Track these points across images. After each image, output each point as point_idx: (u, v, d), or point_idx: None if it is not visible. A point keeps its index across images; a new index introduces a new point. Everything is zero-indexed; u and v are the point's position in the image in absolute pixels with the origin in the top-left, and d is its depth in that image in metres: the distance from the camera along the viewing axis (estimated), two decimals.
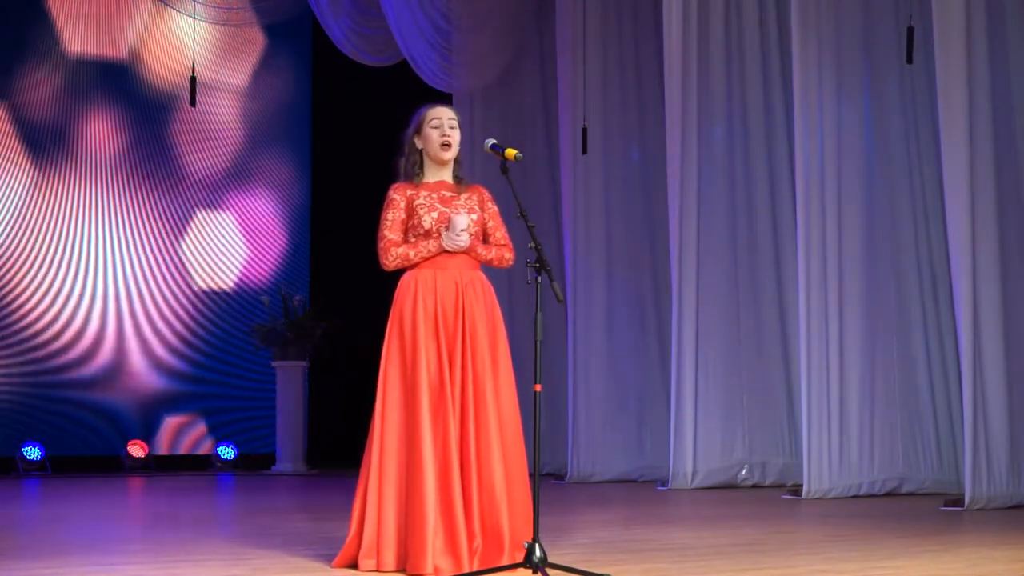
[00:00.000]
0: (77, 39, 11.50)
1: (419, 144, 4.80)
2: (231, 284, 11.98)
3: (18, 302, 11.12)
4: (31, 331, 11.15)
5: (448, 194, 4.77)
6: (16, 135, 11.25)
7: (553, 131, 10.85)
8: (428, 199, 4.73)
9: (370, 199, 5.31)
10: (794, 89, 8.29)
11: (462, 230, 4.65)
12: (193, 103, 10.00)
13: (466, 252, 4.71)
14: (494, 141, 4.74)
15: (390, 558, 4.54)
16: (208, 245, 11.90)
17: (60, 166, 11.39)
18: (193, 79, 9.92)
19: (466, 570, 4.41)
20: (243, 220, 12.09)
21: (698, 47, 9.14)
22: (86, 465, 11.06)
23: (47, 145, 11.36)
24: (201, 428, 11.73)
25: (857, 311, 8.25)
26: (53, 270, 11.27)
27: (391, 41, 10.10)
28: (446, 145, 4.74)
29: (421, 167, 4.81)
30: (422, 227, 4.69)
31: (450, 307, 4.66)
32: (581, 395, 9.91)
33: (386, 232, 4.72)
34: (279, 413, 11.41)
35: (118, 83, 11.66)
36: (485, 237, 4.84)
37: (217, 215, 11.97)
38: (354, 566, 4.61)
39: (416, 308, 4.64)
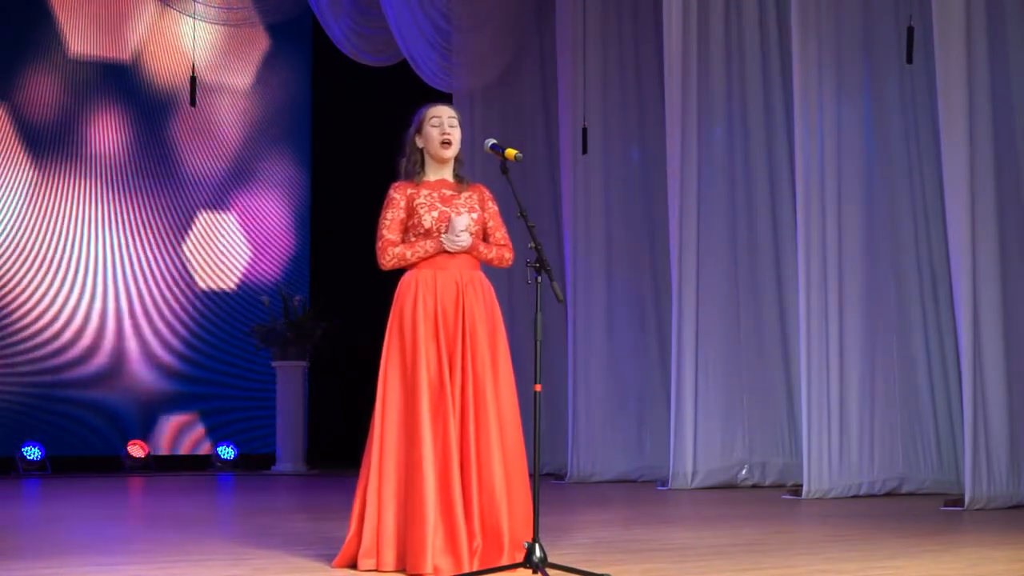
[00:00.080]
0: (79, 40, 11.51)
1: (420, 143, 4.81)
2: (231, 284, 11.98)
3: (18, 302, 11.12)
4: (31, 331, 11.15)
5: (449, 193, 4.77)
6: (18, 135, 11.25)
7: (553, 131, 10.85)
8: (429, 198, 4.73)
9: (370, 199, 5.32)
10: (794, 89, 8.29)
11: (462, 230, 4.65)
12: (193, 103, 10.01)
13: (467, 251, 4.72)
14: (494, 141, 4.74)
15: (390, 558, 4.54)
16: (208, 245, 11.90)
17: (61, 166, 11.39)
18: (193, 79, 9.93)
19: (466, 570, 4.41)
20: (243, 220, 12.09)
21: (698, 47, 9.14)
22: (86, 465, 11.06)
23: (49, 145, 11.36)
24: (201, 428, 11.73)
25: (857, 311, 8.25)
26: (53, 270, 11.27)
27: (391, 41, 10.10)
28: (446, 143, 4.75)
29: (422, 166, 4.82)
30: (422, 226, 4.70)
31: (450, 307, 4.66)
32: (581, 395, 9.91)
33: (384, 232, 4.73)
34: (279, 413, 11.41)
35: (119, 83, 11.66)
36: (485, 236, 4.84)
37: (217, 215, 11.97)
38: (354, 566, 4.61)
39: (416, 308, 4.64)
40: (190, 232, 11.83)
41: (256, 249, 12.13)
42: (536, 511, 4.38)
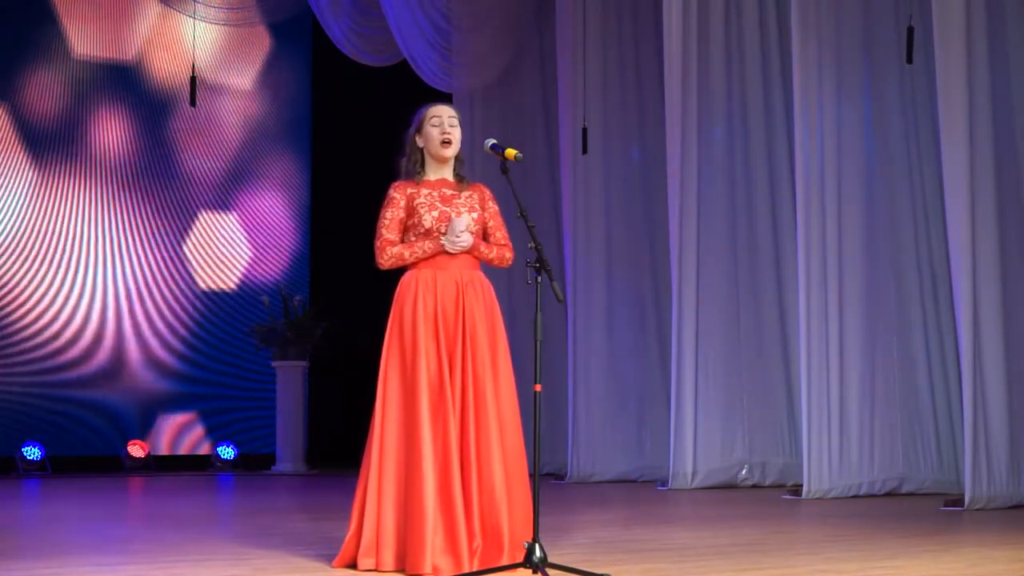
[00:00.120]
0: (81, 40, 11.51)
1: (420, 143, 4.81)
2: (231, 284, 11.98)
3: (19, 302, 11.12)
4: (32, 331, 11.15)
5: (449, 192, 4.77)
6: (20, 135, 11.25)
7: (553, 131, 10.85)
8: (429, 197, 4.73)
9: (370, 199, 5.32)
10: (794, 89, 8.29)
11: (462, 230, 4.65)
12: (193, 103, 10.01)
13: (468, 251, 4.72)
14: (494, 141, 4.74)
15: (389, 557, 4.54)
16: (208, 245, 11.90)
17: (62, 166, 11.39)
18: (193, 79, 9.93)
19: (466, 570, 4.41)
20: (243, 220, 12.09)
21: (698, 47, 9.14)
22: (86, 465, 11.06)
23: (50, 145, 11.36)
24: (201, 428, 11.73)
25: (857, 311, 8.25)
26: (54, 270, 11.27)
27: (391, 41, 10.10)
28: (446, 143, 4.75)
29: (422, 165, 4.82)
30: (422, 226, 4.70)
31: (450, 307, 4.66)
32: (581, 395, 9.91)
33: (383, 231, 4.73)
34: (279, 413, 11.41)
35: (121, 84, 11.66)
36: (485, 236, 4.84)
37: (217, 215, 11.97)
38: (353, 565, 4.61)
39: (416, 308, 4.64)
40: (190, 232, 11.83)
41: (256, 249, 12.14)
42: (536, 511, 4.38)
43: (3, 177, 11.16)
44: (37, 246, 11.23)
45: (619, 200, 10.15)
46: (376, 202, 4.81)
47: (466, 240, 4.66)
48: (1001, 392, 7.27)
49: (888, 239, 8.47)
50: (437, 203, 4.72)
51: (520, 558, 4.37)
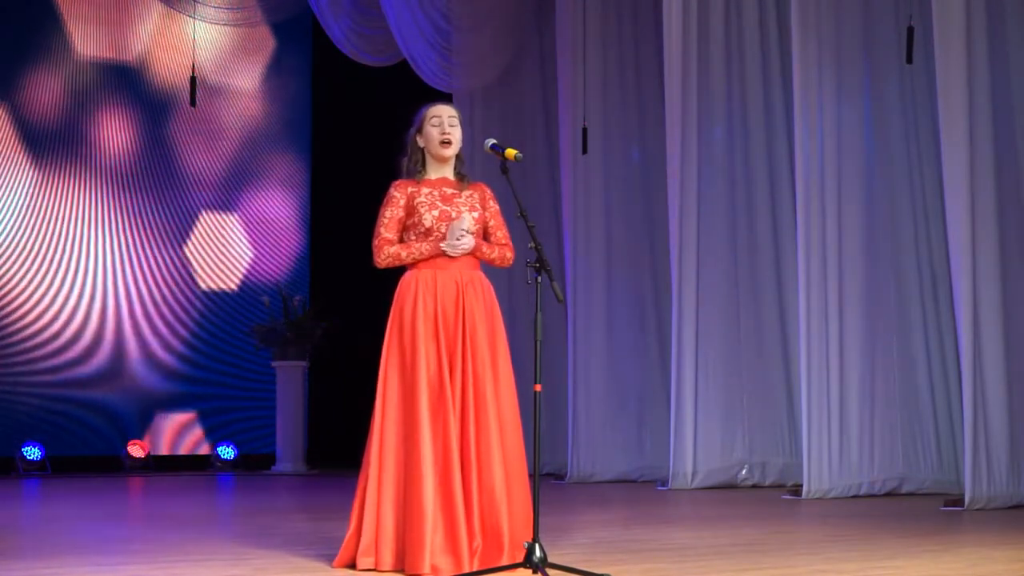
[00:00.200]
0: (84, 41, 11.51)
1: (421, 143, 4.81)
2: (231, 284, 11.98)
3: (19, 302, 11.12)
4: (32, 331, 11.15)
5: (450, 191, 4.78)
6: (22, 135, 11.25)
7: (553, 131, 10.85)
8: (429, 196, 4.73)
9: (370, 199, 5.32)
10: (794, 89, 8.29)
11: (463, 230, 4.64)
12: (193, 103, 10.01)
13: (470, 252, 4.72)
14: (494, 141, 4.74)
15: (388, 557, 4.55)
16: (208, 245, 11.90)
17: (64, 166, 11.39)
18: (193, 79, 9.93)
19: (466, 570, 4.41)
20: (243, 220, 12.10)
21: (698, 47, 9.14)
22: (86, 465, 11.06)
23: (52, 145, 11.36)
24: (201, 428, 11.73)
25: (857, 311, 8.25)
26: (54, 270, 11.27)
27: (391, 41, 10.10)
28: (446, 143, 4.75)
29: (423, 164, 4.83)
30: (422, 225, 4.70)
31: (450, 307, 4.66)
32: (581, 395, 9.91)
33: (382, 230, 4.74)
34: (279, 413, 11.41)
35: (123, 84, 11.66)
36: (486, 235, 4.84)
37: (217, 215, 11.97)
38: (353, 565, 4.61)
39: (416, 308, 4.64)
40: (190, 232, 11.83)
41: (256, 249, 12.14)
42: (536, 511, 4.38)
43: (4, 177, 11.16)
44: (38, 246, 11.23)
45: (619, 200, 10.15)
46: (376, 202, 4.81)
47: (467, 244, 4.66)
48: (1001, 392, 7.27)
49: (888, 239, 8.47)
50: (438, 202, 4.72)
51: (520, 558, 4.37)
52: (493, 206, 4.86)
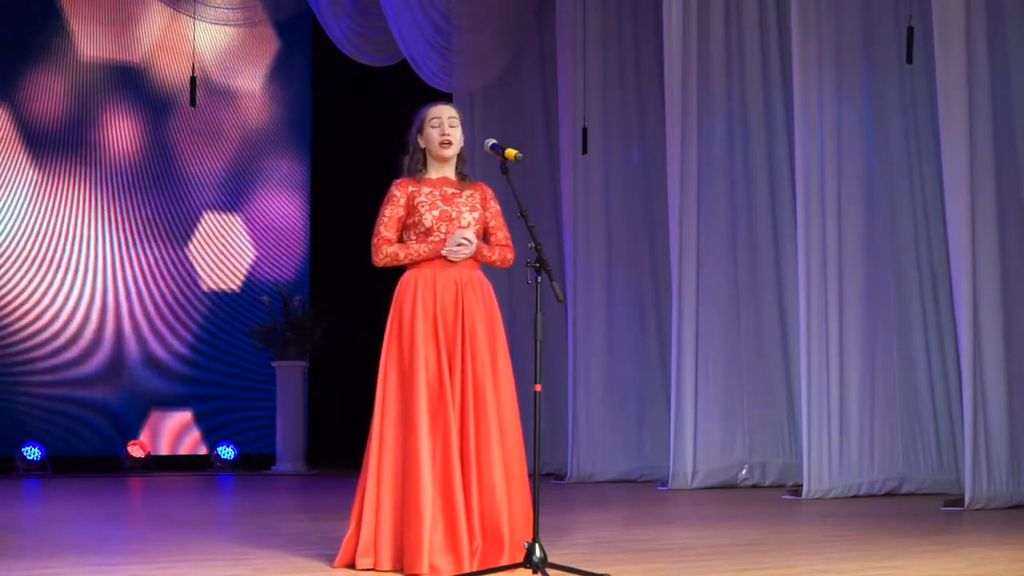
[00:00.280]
0: (88, 42, 11.51)
1: (421, 143, 4.82)
2: (231, 284, 11.98)
3: (19, 301, 11.12)
4: (32, 331, 11.15)
5: (450, 191, 4.78)
6: (24, 136, 11.25)
7: (553, 131, 10.84)
8: (430, 196, 4.74)
9: (370, 199, 5.32)
10: (794, 89, 8.29)
11: (464, 239, 4.64)
12: (193, 103, 10.01)
13: (471, 256, 4.73)
14: (494, 141, 4.74)
15: (387, 557, 4.55)
16: (207, 245, 11.90)
17: (65, 166, 11.38)
18: (193, 79, 9.93)
19: (466, 570, 4.41)
20: (244, 220, 12.09)
21: (698, 47, 9.14)
22: (86, 465, 11.06)
23: (54, 145, 11.36)
24: (201, 428, 11.73)
25: (857, 311, 8.25)
26: (54, 270, 11.27)
27: (391, 41, 10.10)
28: (446, 143, 4.75)
29: (424, 164, 4.83)
30: (423, 224, 4.70)
31: (449, 307, 4.66)
32: (581, 395, 9.91)
33: (381, 229, 4.74)
34: (279, 413, 11.41)
35: (125, 85, 11.66)
36: (486, 235, 4.85)
37: (217, 215, 11.97)
38: (353, 565, 4.61)
39: (415, 307, 4.65)
40: (190, 232, 11.83)
41: (256, 249, 12.14)
42: (536, 511, 4.38)
43: (7, 177, 11.16)
44: (38, 246, 11.23)
45: (619, 200, 10.15)
46: (376, 201, 4.82)
47: (467, 252, 4.67)
48: (1001, 392, 7.27)
49: (888, 239, 8.47)
50: (438, 202, 4.73)
51: (520, 558, 4.37)
52: (494, 206, 4.86)
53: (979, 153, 7.30)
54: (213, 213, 11.95)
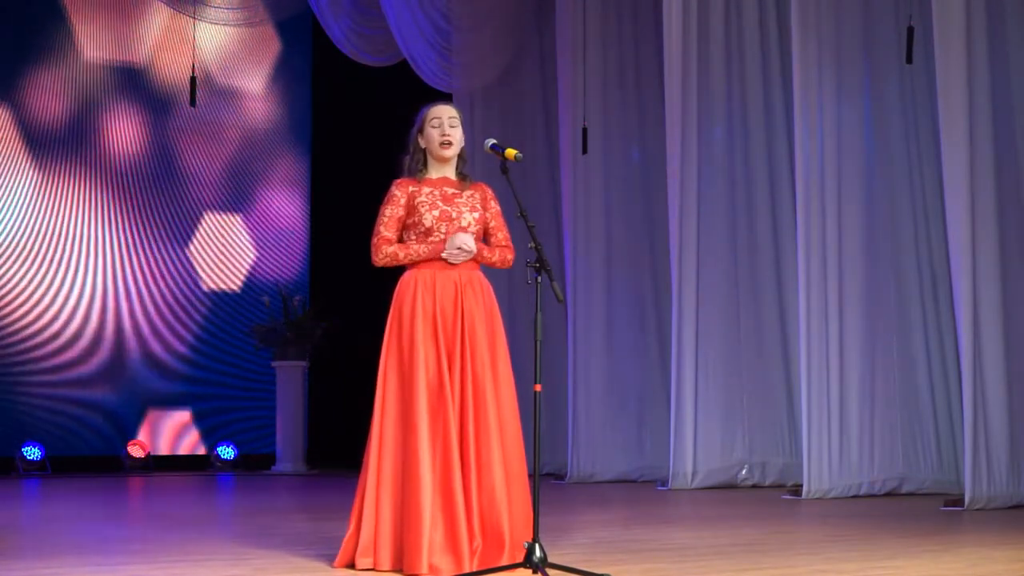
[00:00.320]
0: (90, 42, 11.52)
1: (422, 143, 4.82)
2: (231, 284, 11.98)
3: (19, 301, 11.12)
4: (32, 331, 11.15)
5: (451, 191, 4.78)
6: (27, 135, 11.25)
7: (553, 131, 10.84)
8: (430, 196, 4.74)
9: (370, 199, 5.32)
10: (794, 89, 8.29)
11: (463, 246, 4.64)
12: (193, 103, 10.01)
13: (472, 258, 4.73)
14: (494, 141, 4.75)
15: (386, 557, 4.55)
16: (207, 245, 11.90)
17: (67, 167, 11.38)
18: (193, 79, 9.93)
19: (466, 570, 4.41)
20: (245, 220, 12.09)
21: (698, 47, 9.14)
22: (86, 465, 11.06)
23: (56, 145, 11.36)
24: (201, 428, 11.73)
25: (857, 311, 8.25)
26: (54, 270, 11.27)
27: (391, 41, 10.09)
28: (446, 144, 4.75)
29: (425, 164, 4.83)
30: (423, 225, 4.70)
31: (449, 307, 4.66)
32: (581, 395, 9.91)
33: (381, 228, 4.74)
34: (279, 413, 11.41)
35: (127, 85, 11.66)
36: (487, 236, 4.85)
37: (217, 216, 11.97)
38: (353, 565, 4.61)
39: (415, 307, 4.65)
40: (190, 232, 11.83)
41: (256, 249, 12.13)
42: (536, 511, 4.38)
43: (7, 177, 11.16)
44: (39, 246, 11.23)
45: (619, 200, 10.15)
46: (376, 201, 4.82)
47: (466, 258, 4.67)
48: (1001, 392, 7.27)
49: (888, 239, 8.47)
50: (438, 202, 4.73)
51: (520, 558, 4.37)
52: (494, 207, 4.86)
53: (979, 153, 7.30)
54: (213, 213, 11.95)
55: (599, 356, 9.98)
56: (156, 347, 11.58)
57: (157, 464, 11.37)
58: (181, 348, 11.69)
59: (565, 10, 10.18)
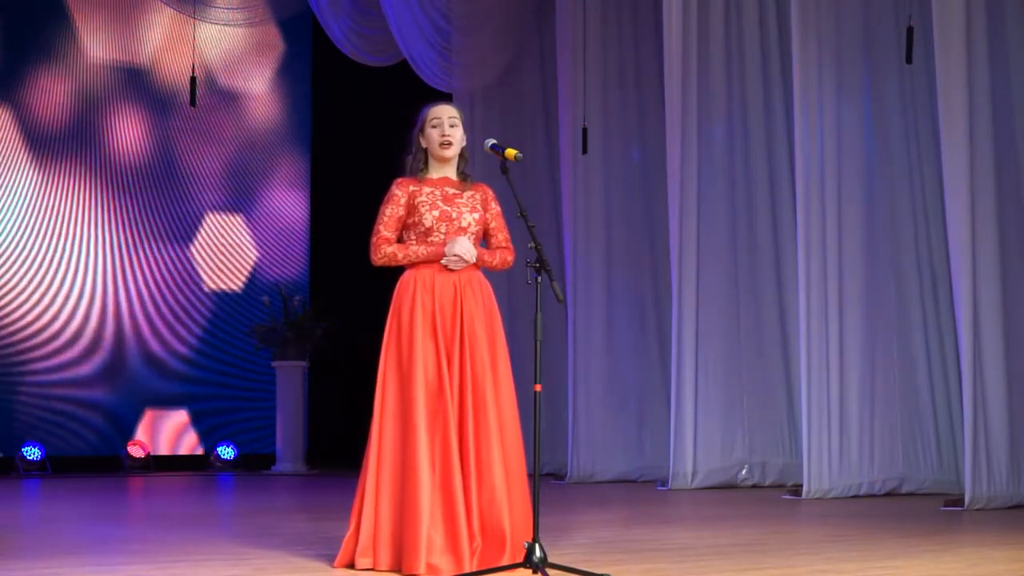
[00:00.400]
0: (93, 42, 11.52)
1: (423, 143, 4.82)
2: (231, 284, 11.98)
3: (20, 301, 11.12)
4: (32, 330, 11.15)
5: (451, 191, 4.78)
6: (29, 135, 11.25)
7: (553, 131, 10.84)
8: (431, 196, 4.74)
9: (370, 199, 5.32)
10: (794, 89, 8.29)
11: (463, 253, 4.64)
12: (193, 103, 10.01)
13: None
14: (494, 141, 4.74)
15: (386, 557, 4.56)
16: (207, 245, 11.90)
17: (68, 167, 11.38)
18: (192, 80, 9.93)
19: (466, 570, 4.41)
20: (245, 221, 12.09)
21: (698, 47, 9.14)
22: (86, 465, 11.06)
23: (58, 146, 11.36)
24: (201, 428, 11.73)
25: (857, 311, 8.25)
26: (55, 269, 11.27)
27: (391, 41, 10.09)
28: (446, 144, 4.75)
29: (426, 164, 4.83)
30: (423, 225, 4.70)
31: (448, 307, 4.66)
32: (581, 395, 9.91)
33: (381, 228, 4.75)
34: (279, 413, 11.41)
35: (129, 86, 11.66)
36: (487, 237, 4.85)
37: (217, 216, 11.97)
38: (352, 565, 4.61)
39: (414, 308, 4.65)
40: (190, 232, 11.83)
41: (256, 249, 12.13)
42: (536, 511, 4.38)
43: (10, 177, 11.16)
44: (41, 246, 11.23)
45: (619, 200, 10.15)
46: (376, 201, 4.82)
47: (465, 264, 4.67)
48: (1001, 392, 7.27)
49: (888, 239, 8.47)
50: (438, 202, 4.73)
51: (520, 558, 4.37)
52: (495, 208, 4.86)
53: (979, 153, 7.30)
54: (212, 213, 11.95)
55: (599, 356, 9.98)
56: (156, 347, 11.58)
57: (157, 464, 11.37)
58: (181, 348, 11.68)
59: (565, 10, 10.18)
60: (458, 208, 4.73)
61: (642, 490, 9.03)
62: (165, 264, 11.68)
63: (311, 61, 12.45)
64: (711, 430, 9.03)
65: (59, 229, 11.32)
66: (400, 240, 4.79)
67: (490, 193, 4.87)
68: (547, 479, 9.87)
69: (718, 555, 5.15)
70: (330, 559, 4.78)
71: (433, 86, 10.20)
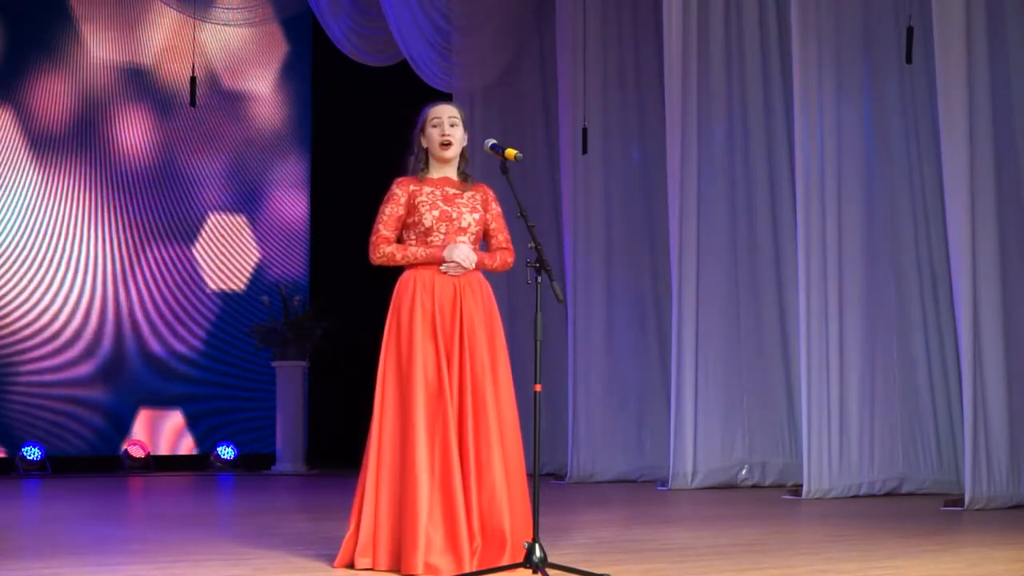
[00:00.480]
0: (96, 43, 11.51)
1: (423, 143, 4.82)
2: (231, 284, 11.98)
3: (20, 301, 11.12)
4: (33, 330, 11.15)
5: (452, 191, 4.78)
6: (31, 136, 11.24)
7: (553, 131, 10.84)
8: (431, 196, 4.74)
9: (370, 199, 5.32)
10: (794, 89, 8.29)
11: (463, 261, 4.65)
12: (193, 103, 10.01)
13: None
14: (494, 141, 4.74)
15: (385, 557, 4.56)
16: (207, 246, 11.89)
17: (70, 167, 11.37)
18: (193, 80, 9.93)
19: (466, 570, 4.41)
20: (246, 221, 12.09)
21: (698, 47, 9.14)
22: (86, 465, 11.06)
23: (59, 146, 11.35)
24: (201, 428, 11.73)
25: (857, 311, 8.25)
26: (55, 269, 11.26)
27: (391, 41, 10.09)
28: (446, 144, 4.75)
29: (426, 164, 4.83)
30: (422, 224, 4.70)
31: (447, 307, 4.66)
32: (581, 395, 9.91)
33: (380, 227, 4.75)
34: (279, 413, 11.40)
35: (130, 86, 11.66)
36: (487, 237, 4.85)
37: (216, 216, 11.97)
38: (352, 565, 4.61)
39: (414, 308, 4.65)
40: (191, 233, 11.83)
41: (255, 249, 12.13)
42: (536, 511, 4.38)
43: (11, 177, 11.15)
44: (41, 246, 11.22)
45: (619, 200, 10.15)
46: (376, 201, 4.82)
47: (463, 271, 4.67)
48: (1001, 392, 7.27)
49: (888, 239, 8.47)
50: (439, 202, 4.73)
51: (520, 558, 4.37)
52: (495, 208, 4.86)
53: (979, 153, 7.30)
54: (212, 213, 11.94)
55: (599, 356, 9.98)
56: (156, 347, 11.58)
57: (157, 464, 11.36)
58: (181, 348, 11.68)
59: (565, 10, 10.18)
60: (458, 208, 4.73)
61: (642, 490, 9.03)
62: (166, 265, 11.68)
63: (311, 61, 12.45)
64: (711, 430, 9.03)
65: (60, 229, 11.32)
66: (400, 240, 4.79)
67: (490, 193, 4.86)
68: (547, 479, 9.87)
69: (718, 555, 5.15)
70: (330, 559, 4.78)
71: (433, 86, 10.20)
